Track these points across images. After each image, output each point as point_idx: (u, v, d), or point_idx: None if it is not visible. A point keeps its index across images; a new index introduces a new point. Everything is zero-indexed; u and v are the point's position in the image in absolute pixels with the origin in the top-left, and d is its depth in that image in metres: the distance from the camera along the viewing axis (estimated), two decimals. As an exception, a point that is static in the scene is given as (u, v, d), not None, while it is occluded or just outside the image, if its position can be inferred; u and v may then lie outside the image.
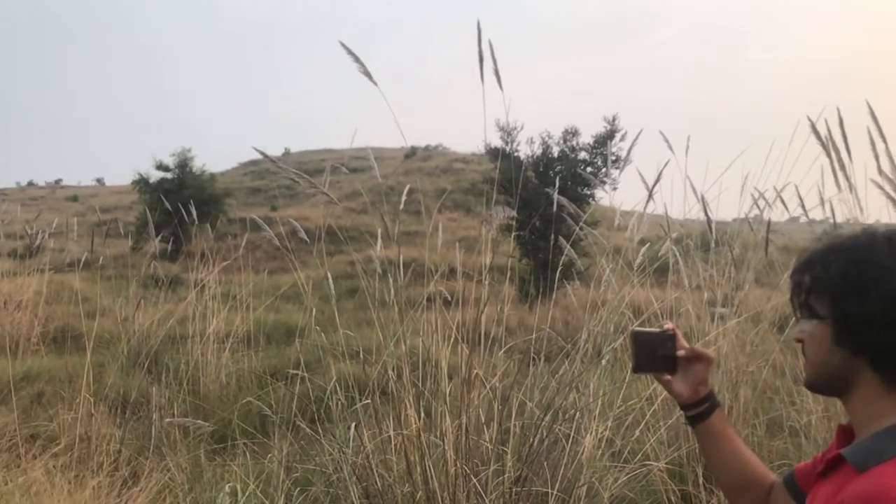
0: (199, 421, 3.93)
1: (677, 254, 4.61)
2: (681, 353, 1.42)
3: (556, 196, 4.67)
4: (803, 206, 4.71)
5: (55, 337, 11.10)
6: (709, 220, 4.68)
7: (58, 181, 54.72)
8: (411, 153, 37.33)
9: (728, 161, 4.75)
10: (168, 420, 4.87)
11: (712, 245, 4.95)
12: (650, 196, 4.38)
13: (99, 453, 4.29)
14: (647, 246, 4.39)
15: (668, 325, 1.44)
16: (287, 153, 48.73)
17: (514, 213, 4.18)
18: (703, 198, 4.69)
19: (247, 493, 3.05)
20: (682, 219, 5.42)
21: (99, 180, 54.33)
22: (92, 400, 5.24)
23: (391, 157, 32.85)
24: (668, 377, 1.42)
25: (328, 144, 46.06)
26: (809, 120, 4.01)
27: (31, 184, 54.40)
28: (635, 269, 4.40)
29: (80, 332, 10.64)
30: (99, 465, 3.99)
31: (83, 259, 12.75)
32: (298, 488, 3.67)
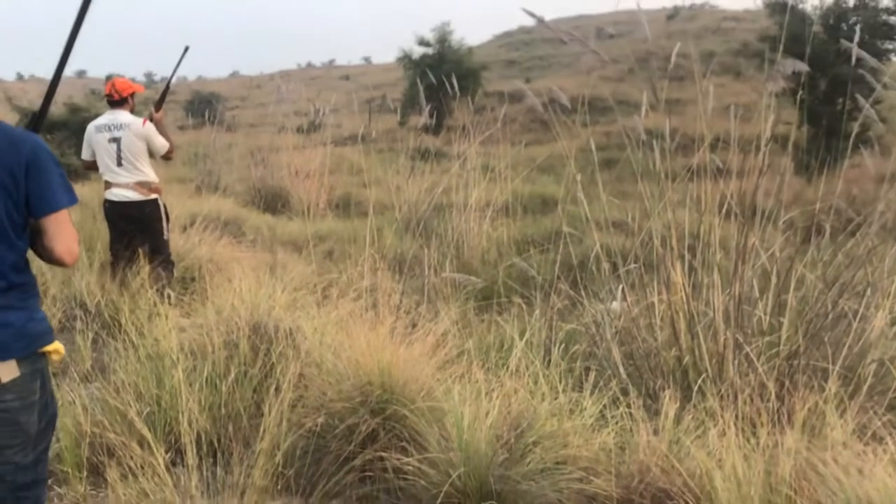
0: (471, 276, 4.23)
1: None
2: None
3: (854, 49, 4.09)
4: None
5: (338, 203, 12.47)
6: None
7: (331, 61, 59.30)
8: (674, 14, 34.63)
9: None
10: (444, 274, 5.30)
11: None
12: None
13: (384, 303, 4.84)
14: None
15: None
16: (541, 20, 47.66)
17: (805, 67, 3.72)
18: None
19: (525, 339, 3.28)
20: None
21: (366, 59, 57.97)
22: (376, 257, 5.85)
23: (651, 20, 30.65)
24: None
25: (583, 10, 44.04)
26: None
27: (309, 65, 59.59)
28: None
29: (359, 199, 11.84)
30: (386, 313, 4.52)
31: (359, 134, 13.95)
32: (563, 345, 3.85)
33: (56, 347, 1.90)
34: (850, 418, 2.46)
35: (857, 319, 3.24)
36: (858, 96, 4.26)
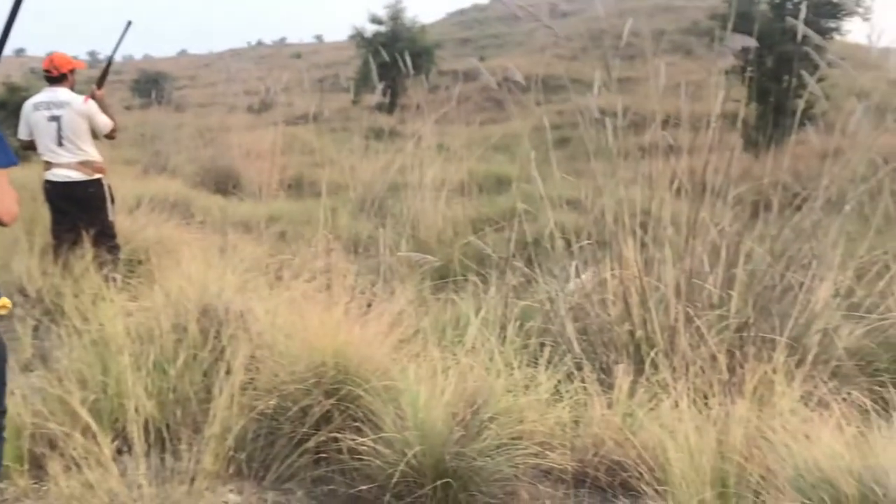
0: (427, 256, 4.21)
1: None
2: None
3: (800, 26, 4.15)
4: None
5: (290, 184, 12.29)
6: None
7: (282, 39, 58.16)
8: (625, -7, 34.83)
9: None
10: (399, 254, 5.26)
11: None
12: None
13: (338, 284, 4.78)
14: (911, 80, 3.82)
15: None
16: None
17: (753, 42, 3.77)
18: None
19: (480, 317, 3.28)
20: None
21: (318, 37, 56.97)
22: (330, 237, 5.78)
23: (603, -1, 30.75)
24: None
25: (535, -11, 44.01)
26: None
27: (259, 43, 58.37)
28: (893, 108, 3.89)
29: (312, 179, 11.68)
30: (340, 293, 4.46)
31: (311, 113, 13.73)
32: (518, 322, 3.86)
33: (3, 303, 1.98)
34: (797, 386, 2.52)
35: (803, 291, 3.32)
36: (804, 73, 4.33)
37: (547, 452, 2.50)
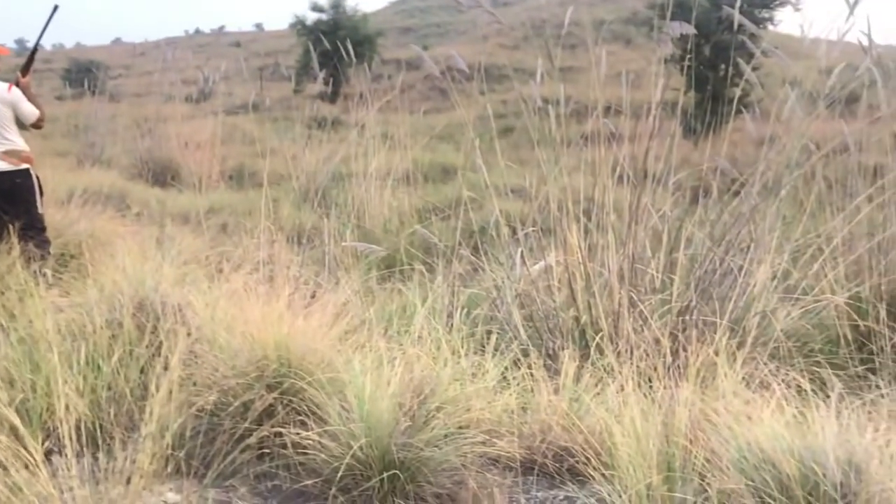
0: (372, 245, 4.16)
1: (877, 75, 4.09)
2: None
3: (737, 16, 4.22)
4: None
5: (231, 175, 12.03)
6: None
7: (221, 27, 56.72)
8: (566, -17, 35.12)
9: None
10: (344, 244, 5.19)
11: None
12: (851, 11, 3.86)
13: (281, 275, 4.68)
14: (841, 66, 3.92)
15: None
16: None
17: (692, 29, 3.82)
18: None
19: (427, 306, 3.25)
20: (884, 45, 4.80)
21: (258, 25, 55.76)
22: (272, 228, 5.65)
23: (545, -11, 30.97)
24: None
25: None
26: None
27: (197, 31, 56.80)
28: (824, 95, 3.99)
29: (254, 170, 11.44)
30: (283, 284, 4.37)
31: (251, 102, 13.44)
32: (465, 310, 3.85)
33: None
34: (739, 368, 2.56)
35: (742, 275, 3.39)
36: (740, 62, 4.41)
37: (495, 440, 2.49)
